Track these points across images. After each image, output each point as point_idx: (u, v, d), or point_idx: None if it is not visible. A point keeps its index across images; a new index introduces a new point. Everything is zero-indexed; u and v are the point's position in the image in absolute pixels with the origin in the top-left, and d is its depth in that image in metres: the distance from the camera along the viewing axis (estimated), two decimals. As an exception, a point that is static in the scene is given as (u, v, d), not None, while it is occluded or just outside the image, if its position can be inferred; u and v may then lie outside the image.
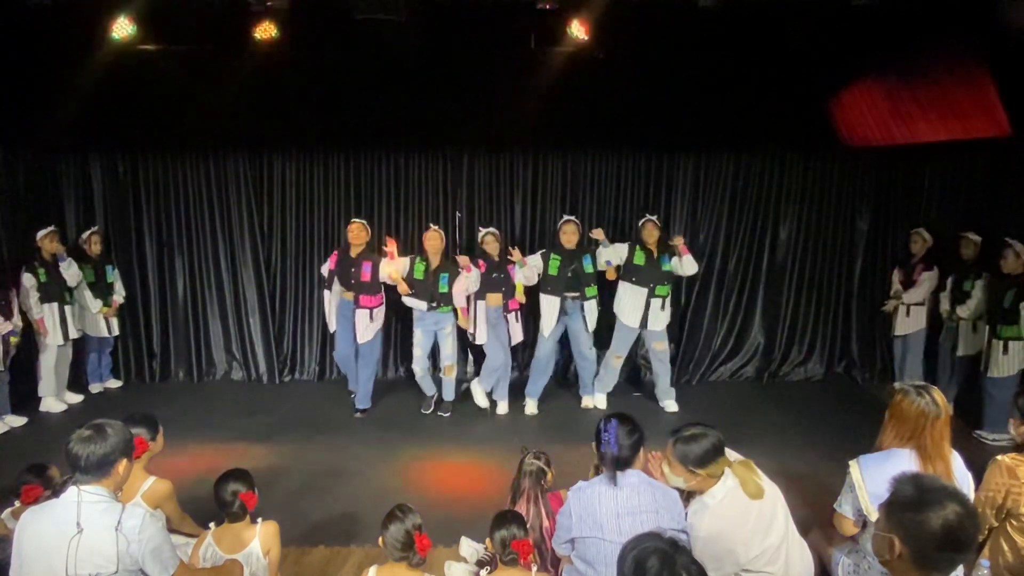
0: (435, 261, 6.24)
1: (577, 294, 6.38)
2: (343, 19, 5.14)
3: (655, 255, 6.40)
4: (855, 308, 7.63)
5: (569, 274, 6.34)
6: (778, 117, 6.83)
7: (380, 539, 2.96)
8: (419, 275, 6.21)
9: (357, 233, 6.37)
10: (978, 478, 3.07)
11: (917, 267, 6.74)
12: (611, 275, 6.45)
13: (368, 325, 6.35)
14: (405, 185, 7.32)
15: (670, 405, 6.71)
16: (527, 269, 6.28)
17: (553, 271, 6.36)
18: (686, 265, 6.42)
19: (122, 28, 5.51)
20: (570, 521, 2.89)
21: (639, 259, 6.39)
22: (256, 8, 5.22)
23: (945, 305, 6.51)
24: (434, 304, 6.19)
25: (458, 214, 7.29)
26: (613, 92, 6.73)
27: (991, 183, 6.88)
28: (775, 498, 2.87)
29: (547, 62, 6.29)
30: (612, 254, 6.43)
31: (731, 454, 2.98)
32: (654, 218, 6.51)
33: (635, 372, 7.64)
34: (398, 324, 7.28)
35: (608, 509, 2.80)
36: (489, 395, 6.59)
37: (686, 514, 2.89)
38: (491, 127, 7.01)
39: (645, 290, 6.36)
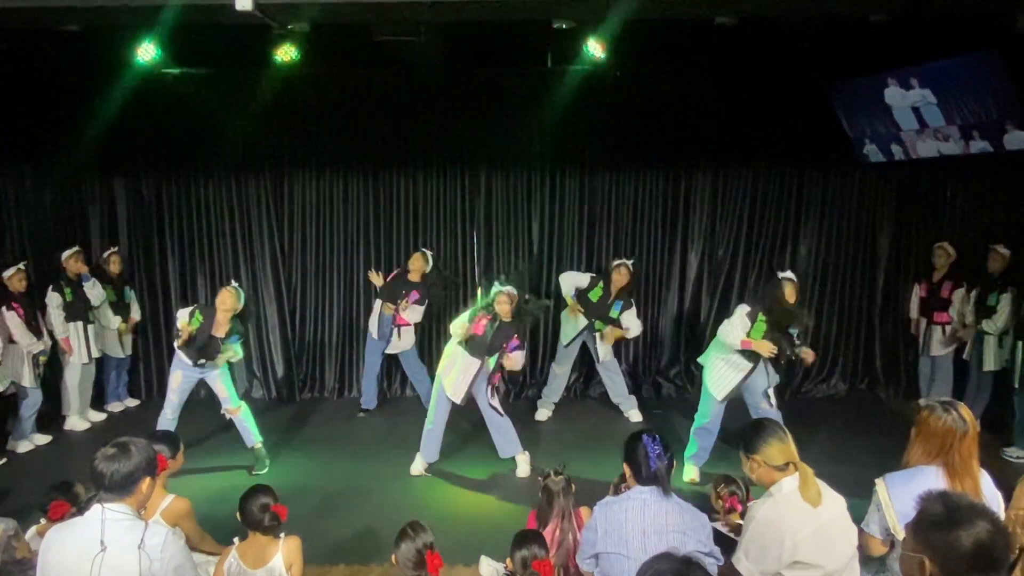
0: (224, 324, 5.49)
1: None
2: (362, 41, 5.21)
3: (611, 298, 6.36)
4: (878, 324, 7.54)
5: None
6: (796, 133, 6.81)
7: (393, 557, 2.96)
8: (193, 327, 5.42)
9: (418, 261, 6.69)
10: (1007, 497, 3.01)
11: (944, 283, 6.66)
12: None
13: (397, 343, 6.72)
14: (424, 203, 7.37)
15: (634, 415, 6.76)
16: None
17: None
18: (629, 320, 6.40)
19: (147, 52, 5.62)
20: (595, 536, 2.88)
21: (595, 295, 6.39)
22: (277, 31, 5.30)
23: (970, 318, 6.42)
24: (202, 362, 5.49)
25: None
26: (630, 110, 6.76)
27: (1013, 195, 6.80)
28: (847, 528, 2.81)
29: (564, 81, 6.32)
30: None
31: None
32: (629, 263, 6.45)
33: (656, 388, 7.61)
34: (424, 340, 7.29)
35: (634, 526, 2.78)
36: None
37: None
38: (508, 145, 7.07)
39: (586, 322, 6.46)
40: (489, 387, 5.57)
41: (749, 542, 2.79)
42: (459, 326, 5.43)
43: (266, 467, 5.68)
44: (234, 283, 5.75)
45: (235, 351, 5.64)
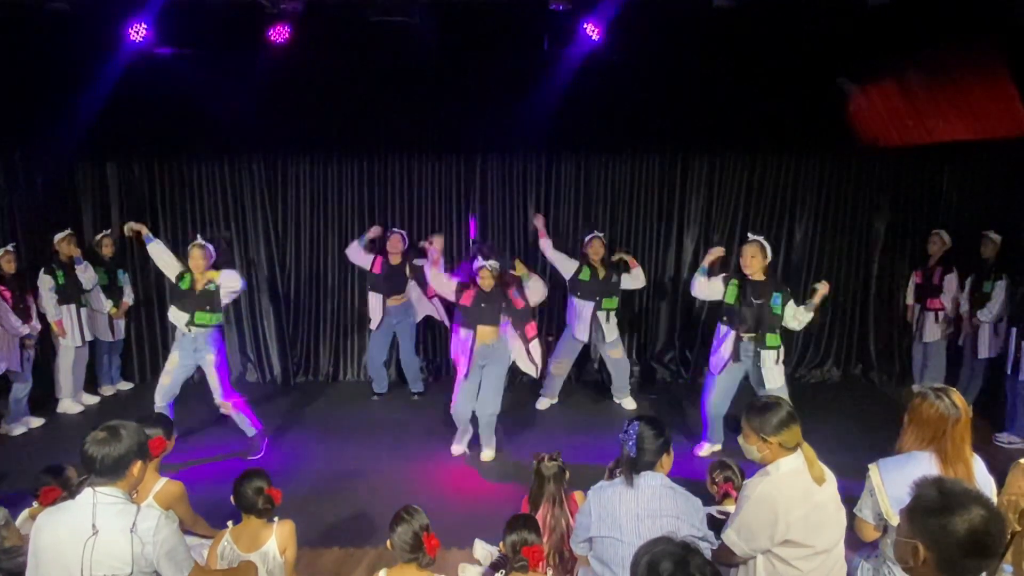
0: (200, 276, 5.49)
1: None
2: (357, 21, 5.15)
3: (599, 272, 6.35)
4: (872, 310, 7.56)
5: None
6: (793, 117, 6.77)
7: (388, 541, 2.96)
8: (185, 285, 5.46)
9: (395, 243, 6.61)
10: (999, 483, 3.02)
11: (936, 270, 6.67)
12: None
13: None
14: (418, 187, 7.34)
15: (628, 403, 6.74)
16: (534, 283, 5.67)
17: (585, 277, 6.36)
18: (633, 279, 6.44)
19: (138, 32, 5.55)
20: (589, 520, 2.88)
21: (584, 275, 6.34)
22: (270, 11, 5.25)
23: (965, 307, 6.43)
24: (188, 327, 5.44)
25: (473, 215, 7.26)
26: (627, 93, 6.71)
27: (1010, 183, 6.80)
28: (838, 509, 2.84)
29: (560, 64, 6.27)
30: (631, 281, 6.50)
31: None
32: (600, 235, 6.47)
33: (650, 373, 7.61)
34: (421, 324, 7.25)
35: (628, 510, 2.78)
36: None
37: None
38: (504, 129, 7.01)
39: (591, 304, 6.33)
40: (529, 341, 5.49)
41: (742, 520, 2.81)
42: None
43: (260, 452, 5.67)
44: (200, 239, 5.64)
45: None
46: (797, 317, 5.25)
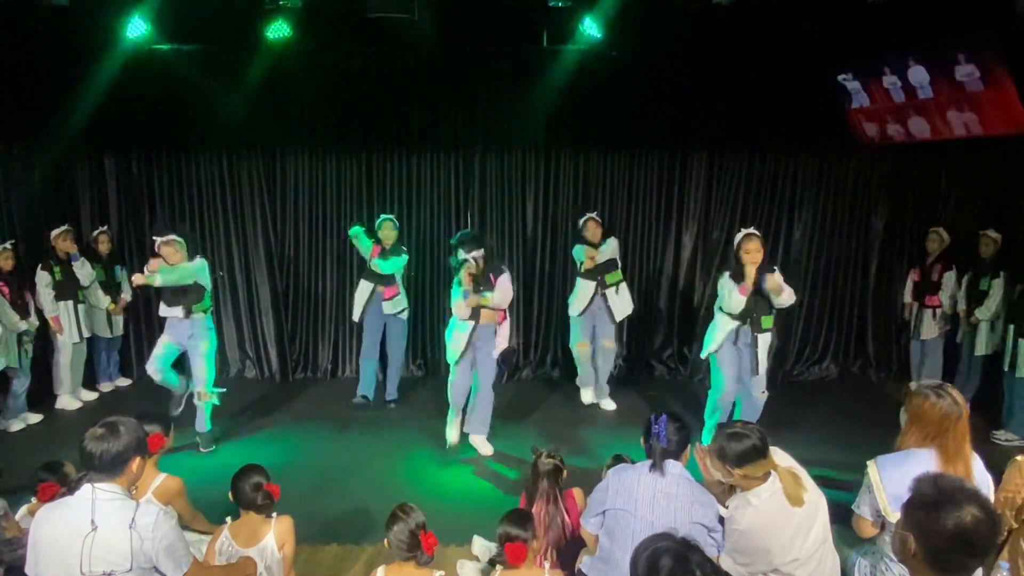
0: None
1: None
2: (356, 17, 5.15)
3: (596, 248, 6.29)
4: (870, 307, 7.57)
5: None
6: (793, 114, 6.78)
7: (385, 540, 2.96)
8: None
9: (388, 231, 6.39)
10: (996, 480, 3.03)
11: (935, 267, 6.68)
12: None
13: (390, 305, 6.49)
14: (417, 183, 7.32)
15: (607, 403, 6.65)
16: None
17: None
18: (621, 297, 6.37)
19: (136, 28, 5.55)
20: (605, 495, 2.98)
21: (584, 262, 6.33)
22: (269, 7, 5.24)
23: (962, 305, 6.44)
24: (181, 311, 5.48)
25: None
26: (626, 90, 6.72)
27: (1008, 180, 6.80)
28: (817, 506, 2.88)
29: (559, 60, 6.27)
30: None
31: (782, 458, 2.99)
32: (595, 216, 6.42)
33: (648, 370, 7.61)
34: (417, 320, 7.25)
35: (647, 487, 2.88)
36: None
37: (725, 508, 2.95)
38: (503, 125, 7.01)
39: (593, 283, 6.30)
40: (496, 347, 5.48)
41: (733, 549, 2.88)
42: (458, 305, 5.37)
43: (212, 448, 5.66)
44: (170, 235, 5.51)
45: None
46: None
